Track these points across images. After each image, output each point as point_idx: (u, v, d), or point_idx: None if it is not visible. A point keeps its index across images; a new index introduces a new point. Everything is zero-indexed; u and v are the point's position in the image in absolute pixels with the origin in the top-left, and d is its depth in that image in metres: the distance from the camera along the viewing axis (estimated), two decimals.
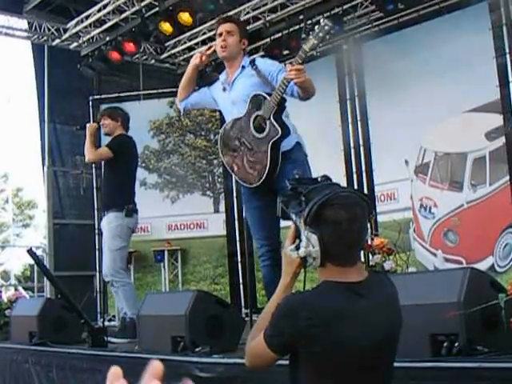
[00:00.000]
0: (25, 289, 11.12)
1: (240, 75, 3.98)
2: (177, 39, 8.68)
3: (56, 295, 6.60)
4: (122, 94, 8.90)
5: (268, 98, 3.72)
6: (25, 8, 8.13)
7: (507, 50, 6.24)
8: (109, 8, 7.74)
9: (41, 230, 23.64)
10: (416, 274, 3.78)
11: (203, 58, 4.04)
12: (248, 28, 7.80)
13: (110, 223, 5.30)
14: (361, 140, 7.58)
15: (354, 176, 7.59)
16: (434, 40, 6.81)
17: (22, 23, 8.35)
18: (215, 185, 8.98)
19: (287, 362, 1.96)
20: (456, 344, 2.68)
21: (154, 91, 8.98)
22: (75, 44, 8.45)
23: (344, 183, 7.20)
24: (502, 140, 6.30)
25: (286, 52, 7.79)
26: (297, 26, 7.66)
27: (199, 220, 8.85)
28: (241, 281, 8.47)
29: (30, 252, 4.76)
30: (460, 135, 6.69)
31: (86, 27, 8.18)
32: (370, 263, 4.00)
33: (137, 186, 5.67)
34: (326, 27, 3.45)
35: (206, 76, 6.99)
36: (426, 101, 6.84)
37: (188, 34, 8.49)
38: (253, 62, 3.95)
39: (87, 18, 8.04)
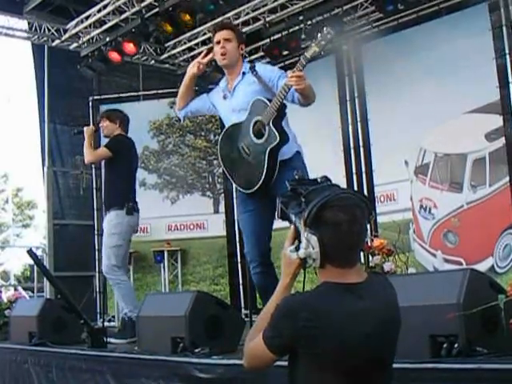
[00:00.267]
0: (24, 289, 11.12)
1: (241, 82, 3.96)
2: (177, 40, 8.68)
3: (56, 295, 6.61)
4: (121, 95, 8.91)
5: (268, 103, 3.72)
6: (25, 8, 8.14)
7: (507, 51, 6.25)
8: (109, 8, 7.73)
9: (41, 231, 23.67)
10: (416, 275, 3.78)
11: (200, 66, 4.02)
12: (248, 29, 7.85)
13: (110, 221, 5.33)
14: (361, 141, 7.59)
15: (354, 177, 7.59)
16: (434, 41, 6.81)
17: (22, 24, 8.35)
18: (215, 185, 8.98)
19: (286, 363, 1.96)
20: (456, 345, 2.68)
21: (154, 92, 8.99)
22: (75, 44, 8.45)
23: (344, 184, 7.20)
24: (502, 141, 6.31)
25: (285, 53, 7.79)
26: (296, 27, 7.65)
27: (199, 220, 8.86)
28: (240, 281, 8.47)
29: (30, 252, 4.76)
30: (460, 136, 6.69)
31: (85, 28, 8.17)
32: (370, 264, 4.00)
33: (136, 187, 5.67)
34: (329, 36, 3.45)
35: (207, 76, 6.98)
36: (425, 102, 6.84)
37: (188, 34, 8.49)
38: (253, 68, 3.92)
39: (87, 18, 8.04)
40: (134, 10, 7.62)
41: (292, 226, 2.01)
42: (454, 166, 6.74)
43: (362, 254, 3.61)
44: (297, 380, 1.92)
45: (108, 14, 7.84)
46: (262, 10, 7.77)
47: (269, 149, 3.72)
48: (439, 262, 6.75)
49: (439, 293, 2.83)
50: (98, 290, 8.68)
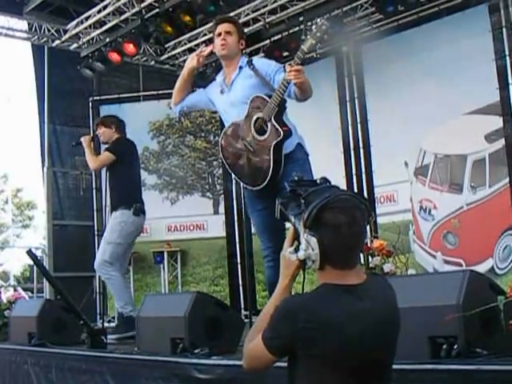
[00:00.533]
0: (24, 289, 11.11)
1: (238, 76, 3.95)
2: (177, 40, 8.69)
3: (55, 296, 6.60)
4: (121, 95, 8.92)
5: (268, 99, 3.72)
6: (25, 9, 8.14)
7: (507, 52, 6.25)
8: (109, 9, 7.73)
9: (40, 231, 23.68)
10: (415, 277, 3.78)
11: (200, 59, 3.99)
12: (248, 30, 7.84)
13: (115, 218, 5.38)
14: (360, 142, 7.59)
15: (354, 178, 7.59)
16: (434, 42, 6.81)
17: (22, 24, 8.35)
18: (215, 186, 8.98)
19: (286, 364, 1.96)
20: (455, 346, 2.68)
21: (154, 92, 8.99)
22: (75, 45, 8.45)
23: (344, 185, 7.21)
24: (502, 142, 6.31)
25: (285, 54, 7.79)
26: (297, 28, 7.65)
27: (199, 221, 8.86)
28: (240, 282, 8.47)
29: (30, 253, 4.76)
30: (460, 137, 6.69)
31: (85, 28, 8.18)
32: (370, 265, 4.00)
33: None
34: (324, 27, 3.45)
35: (207, 77, 6.99)
36: (425, 103, 6.84)
37: (188, 35, 8.50)
38: (250, 62, 3.92)
39: (87, 19, 8.04)
40: (134, 10, 7.62)
41: (291, 227, 2.01)
42: (453, 167, 6.74)
43: (361, 255, 3.61)
44: (296, 381, 1.93)
45: (108, 14, 7.84)
46: (262, 11, 7.77)
47: (273, 144, 3.72)
48: (439, 263, 6.75)
49: (439, 294, 2.83)
50: (97, 290, 8.68)
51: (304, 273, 1.98)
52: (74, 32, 8.26)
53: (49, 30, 8.34)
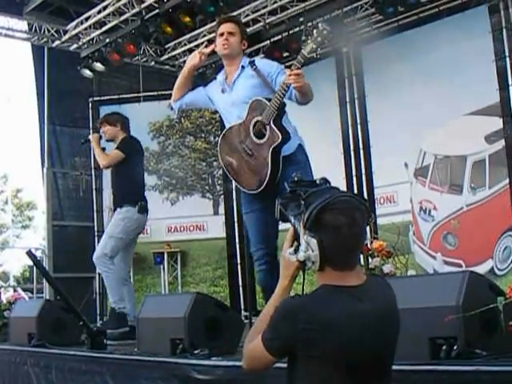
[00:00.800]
0: (24, 290, 11.10)
1: (240, 76, 3.94)
2: (177, 41, 8.70)
3: (55, 297, 6.60)
4: (121, 96, 8.92)
5: (268, 103, 3.71)
6: (25, 9, 8.15)
7: (507, 53, 6.26)
8: (109, 10, 7.74)
9: (40, 232, 23.67)
10: (415, 278, 3.77)
11: (202, 57, 3.97)
12: (248, 30, 7.83)
13: (119, 214, 5.42)
14: (360, 143, 7.59)
15: (354, 179, 7.60)
16: (434, 43, 6.81)
17: (22, 24, 8.36)
18: (215, 187, 8.99)
19: (285, 365, 1.96)
20: (455, 347, 2.68)
21: (154, 93, 8.99)
22: (75, 45, 8.46)
23: (344, 186, 7.21)
24: (502, 143, 6.31)
25: (286, 54, 7.80)
26: (297, 29, 7.66)
27: (199, 222, 8.86)
28: (240, 283, 8.47)
29: (29, 253, 4.76)
30: (460, 138, 6.69)
31: (85, 29, 8.19)
32: (369, 266, 3.99)
33: None
34: (325, 32, 3.44)
35: (206, 78, 6.99)
36: (425, 103, 6.84)
37: (188, 36, 8.50)
38: (252, 63, 3.92)
39: (87, 19, 8.05)
40: (134, 11, 7.63)
41: (291, 228, 2.01)
42: (453, 168, 6.74)
43: (361, 255, 3.61)
44: (296, 382, 1.92)
45: (108, 15, 7.85)
46: (262, 12, 7.78)
47: (272, 148, 3.72)
48: (439, 264, 6.75)
49: (439, 295, 2.83)
50: (97, 291, 8.68)
51: (304, 274, 1.98)
52: (73, 32, 8.27)
53: (49, 31, 8.35)
